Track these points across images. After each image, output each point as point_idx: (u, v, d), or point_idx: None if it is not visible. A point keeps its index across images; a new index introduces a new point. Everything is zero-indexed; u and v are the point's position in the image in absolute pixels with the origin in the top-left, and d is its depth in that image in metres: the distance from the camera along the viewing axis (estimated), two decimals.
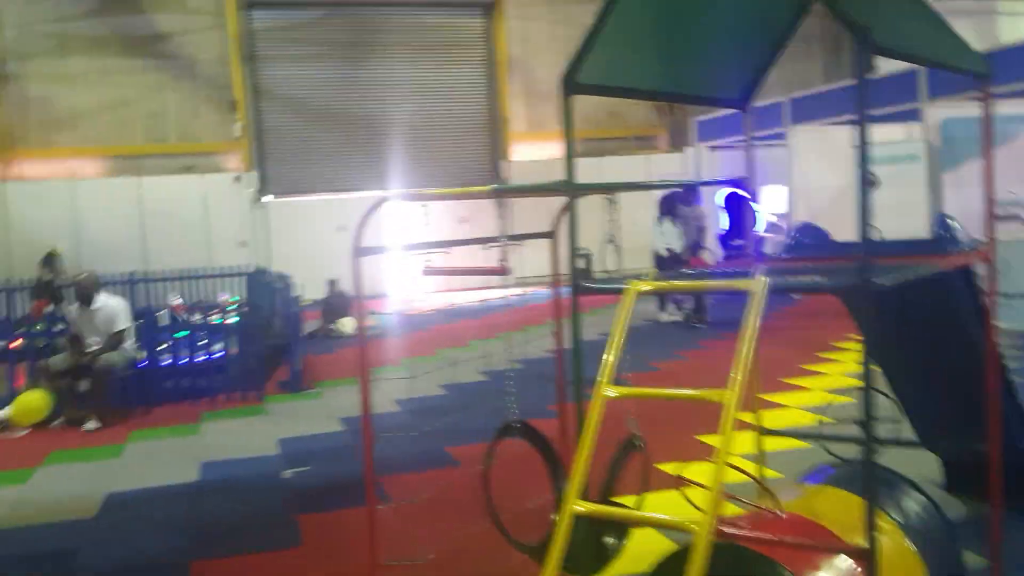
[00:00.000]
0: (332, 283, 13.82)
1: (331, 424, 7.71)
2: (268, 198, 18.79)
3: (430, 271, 3.55)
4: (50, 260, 14.97)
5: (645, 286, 2.73)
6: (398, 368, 10.48)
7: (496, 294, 17.64)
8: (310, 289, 13.55)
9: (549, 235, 4.02)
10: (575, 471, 2.49)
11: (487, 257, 3.77)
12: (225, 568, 4.70)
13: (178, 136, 18.62)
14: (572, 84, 2.89)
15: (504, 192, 3.19)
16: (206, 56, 18.51)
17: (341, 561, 4.69)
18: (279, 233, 18.62)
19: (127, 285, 16.04)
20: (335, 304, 13.40)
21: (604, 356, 2.60)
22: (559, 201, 3.36)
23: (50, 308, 13.00)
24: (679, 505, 2.98)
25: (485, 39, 20.49)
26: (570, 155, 3.03)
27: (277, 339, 10.27)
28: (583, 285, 2.94)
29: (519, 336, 11.96)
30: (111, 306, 8.29)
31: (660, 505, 3.33)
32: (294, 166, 19.28)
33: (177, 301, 14.53)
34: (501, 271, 3.33)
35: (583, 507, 2.47)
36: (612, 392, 2.55)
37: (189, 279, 17.32)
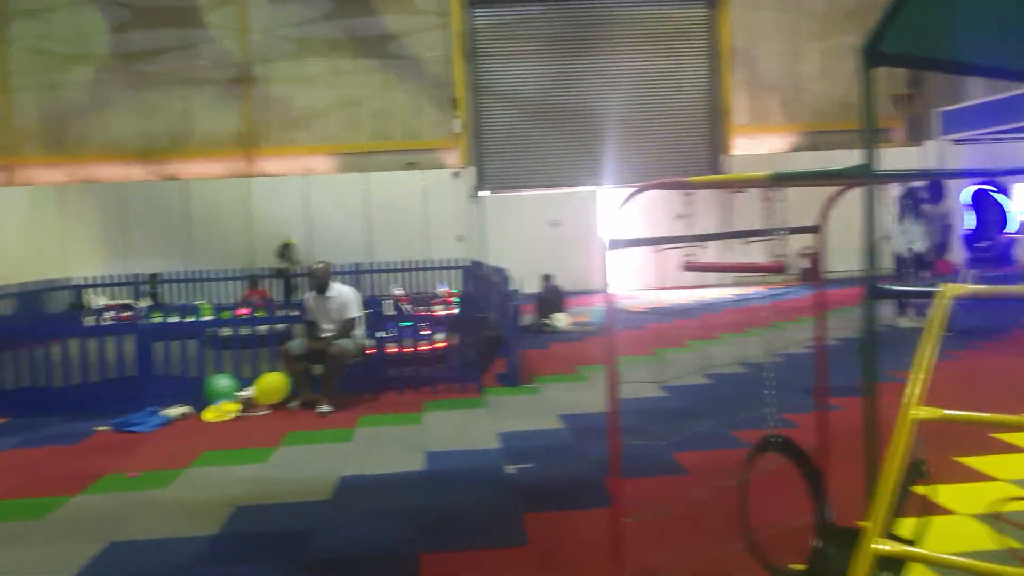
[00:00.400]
0: (546, 277, 13.79)
1: (550, 421, 7.59)
2: (484, 193, 19.13)
3: (692, 267, 3.25)
4: (286, 250, 15.94)
5: (959, 290, 2.32)
6: (616, 366, 10.26)
7: (711, 294, 17.04)
8: (522, 283, 13.60)
9: (814, 229, 3.63)
10: (878, 505, 2.13)
11: (744, 252, 3.44)
12: (454, 562, 4.63)
13: (402, 133, 19.32)
14: (874, 54, 2.51)
15: (785, 180, 2.83)
16: (430, 55, 19.09)
17: (571, 566, 4.51)
18: (493, 227, 18.91)
19: (353, 275, 16.85)
20: (549, 298, 13.36)
21: (912, 372, 2.22)
22: (799, 195, 2.98)
23: (264, 297, 13.80)
24: (959, 536, 2.53)
25: (708, 29, 19.85)
26: (870, 136, 2.64)
27: (493, 332, 10.32)
28: (882, 288, 2.55)
29: (739, 339, 11.42)
30: (344, 294, 8.58)
31: (943, 536, 2.88)
32: (510, 161, 19.52)
33: (399, 292, 15.06)
34: (780, 268, 2.98)
35: (887, 546, 2.11)
36: (924, 413, 2.16)
37: (409, 271, 17.97)
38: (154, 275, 16.47)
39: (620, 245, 3.37)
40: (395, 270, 17.96)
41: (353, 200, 18.61)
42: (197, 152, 19.13)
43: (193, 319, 8.93)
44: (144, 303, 14.20)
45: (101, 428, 7.93)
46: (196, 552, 4.87)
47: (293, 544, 4.97)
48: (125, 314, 9.50)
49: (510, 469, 6.20)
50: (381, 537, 5.05)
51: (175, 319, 9.38)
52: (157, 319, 9.06)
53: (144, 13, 18.79)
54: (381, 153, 19.20)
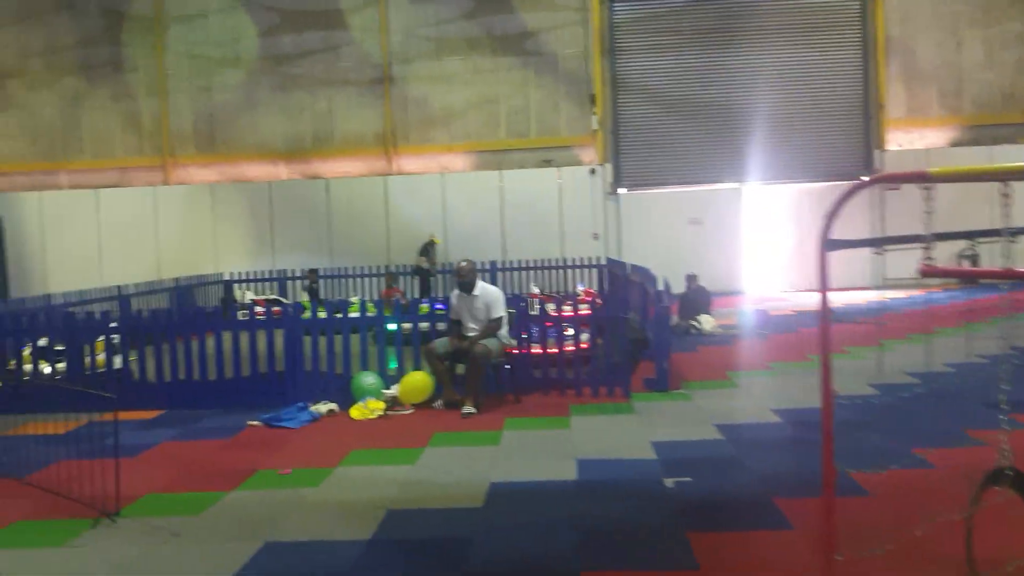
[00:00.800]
0: (691, 278, 13.30)
1: (706, 430, 7.19)
2: (621, 190, 18.74)
3: (929, 271, 2.84)
4: (428, 249, 15.96)
5: None
6: (768, 372, 9.74)
7: (863, 297, 16.13)
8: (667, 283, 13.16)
9: None
10: None
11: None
12: None
13: (538, 131, 19.16)
14: None
15: None
16: (568, 51, 18.85)
17: None
18: (630, 225, 18.51)
19: (488, 274, 16.79)
20: (694, 299, 12.87)
21: None
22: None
23: (401, 296, 13.81)
24: None
25: (860, 19, 18.81)
26: None
27: (637, 334, 9.96)
28: None
29: (903, 345, 10.66)
30: (490, 293, 8.42)
31: None
32: (648, 158, 19.06)
33: (536, 290, 14.88)
34: None
35: None
36: None
37: (544, 269, 17.79)
38: (313, 270, 16.78)
39: (838, 245, 2.97)
40: (530, 268, 17.81)
41: (489, 198, 18.58)
42: (338, 151, 19.53)
43: (356, 314, 8.96)
44: (302, 298, 14.48)
45: (253, 423, 8.03)
46: (351, 557, 4.76)
47: (449, 553, 4.80)
48: (276, 309, 9.63)
49: (668, 482, 5.85)
50: (539, 550, 4.81)
51: (325, 315, 9.41)
52: (321, 314, 9.13)
53: (291, 17, 19.31)
54: (517, 151, 19.10)
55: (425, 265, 15.32)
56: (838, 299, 16.39)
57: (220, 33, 19.51)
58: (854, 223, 17.48)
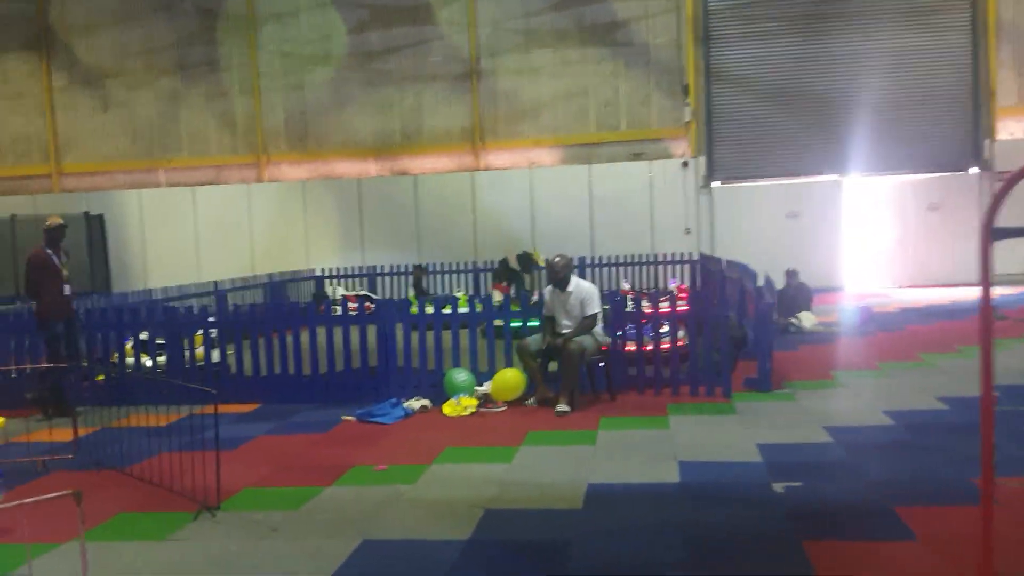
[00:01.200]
0: (791, 273, 12.84)
1: (814, 432, 6.84)
2: (715, 184, 18.27)
3: None
4: (526, 260, 15.71)
5: None
6: (876, 372, 9.29)
7: (968, 293, 15.35)
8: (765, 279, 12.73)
9: None
10: None
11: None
12: None
13: (628, 123, 18.83)
14: None
15: None
16: (659, 41, 18.47)
17: None
18: (723, 219, 18.05)
19: (577, 269, 16.54)
20: (794, 296, 12.41)
21: None
22: None
23: (506, 293, 13.68)
24: None
25: (970, 2, 17.88)
26: None
27: (735, 331, 9.62)
28: None
29: (1020, 345, 10.06)
30: (584, 289, 8.22)
31: None
32: (743, 150, 18.53)
33: (626, 286, 14.61)
34: None
35: None
36: None
37: (634, 265, 17.48)
38: (418, 265, 16.79)
39: (1007, 234, 2.69)
40: (620, 264, 17.53)
41: (577, 192, 18.35)
42: (426, 147, 19.58)
43: (462, 310, 8.90)
44: (408, 293, 14.49)
45: (347, 418, 8.02)
46: (450, 558, 4.63)
47: (549, 557, 4.63)
48: (368, 304, 9.64)
49: (778, 487, 5.56)
50: (642, 556, 4.60)
51: (431, 310, 9.35)
52: (429, 309, 9.09)
53: (380, 12, 19.43)
54: (607, 144, 18.82)
55: (514, 265, 15.11)
56: (951, 295, 15.66)
57: (311, 31, 19.77)
58: (962, 215, 16.70)
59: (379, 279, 18.43)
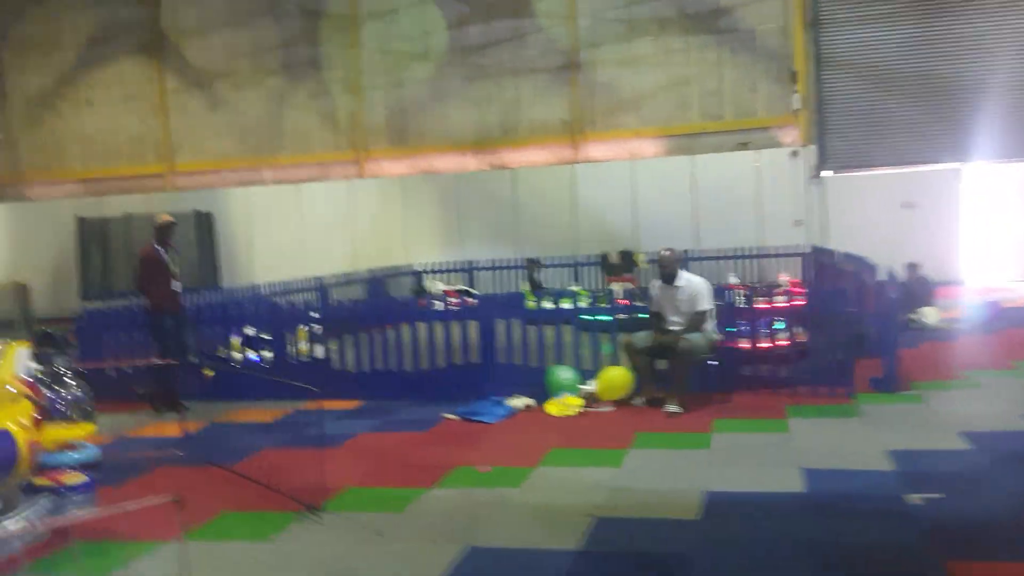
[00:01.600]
0: (912, 267, 12.12)
1: (949, 439, 6.32)
2: (826, 173, 17.47)
3: None
4: (628, 258, 15.28)
5: None
6: (1013, 372, 8.61)
7: None
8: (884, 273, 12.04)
9: None
10: None
11: None
12: None
13: (734, 112, 18.17)
14: None
15: None
16: (766, 26, 17.74)
17: None
18: (835, 210, 17.22)
19: (682, 263, 16.05)
20: (915, 290, 11.68)
21: None
22: None
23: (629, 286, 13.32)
24: None
25: None
26: None
27: (854, 328, 9.05)
28: None
29: None
30: (695, 284, 7.85)
31: None
32: (856, 138, 17.64)
33: (734, 280, 14.08)
34: None
35: None
36: None
37: (741, 258, 16.87)
38: (532, 260, 16.59)
39: None
40: (726, 258, 16.92)
41: (680, 184, 17.79)
42: (525, 140, 19.34)
43: (569, 305, 8.67)
44: (523, 288, 14.27)
45: (448, 416, 7.86)
46: (559, 568, 4.40)
47: (667, 572, 4.34)
48: (470, 300, 9.47)
49: (914, 499, 5.11)
50: (768, 573, 4.26)
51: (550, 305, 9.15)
52: (546, 304, 8.89)
53: (480, 7, 19.28)
54: (711, 134, 18.20)
55: (614, 260, 14.69)
56: None
57: (411, 28, 19.77)
58: None
59: (477, 274, 18.30)
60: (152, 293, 8.90)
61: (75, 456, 5.22)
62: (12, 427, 4.28)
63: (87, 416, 5.51)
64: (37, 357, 5.72)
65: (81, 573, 4.44)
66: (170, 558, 4.64)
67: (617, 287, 13.23)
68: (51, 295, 19.66)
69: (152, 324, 9.03)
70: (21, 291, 17.06)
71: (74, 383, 5.48)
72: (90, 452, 5.33)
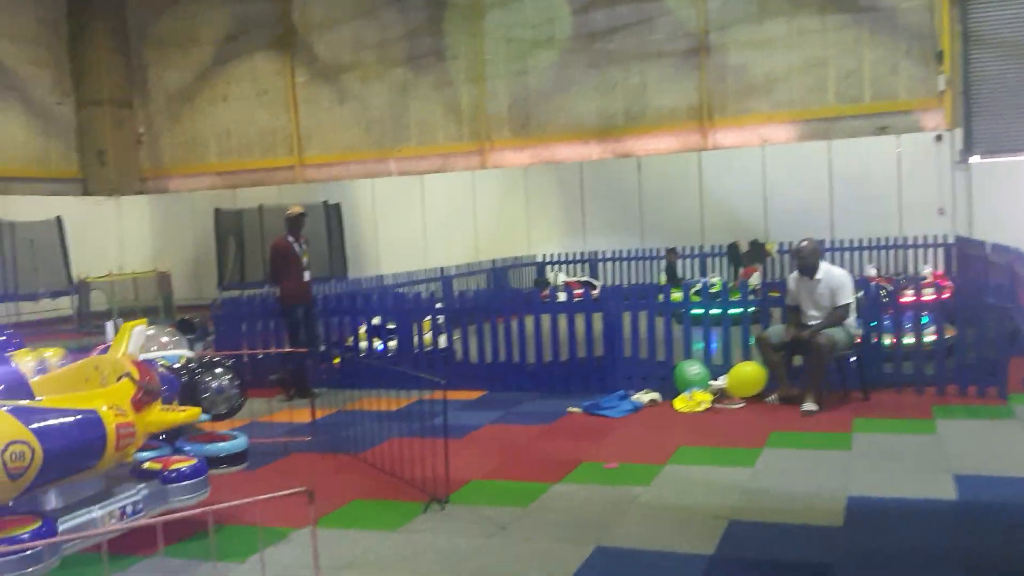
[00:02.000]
0: None
1: None
2: (973, 159, 16.40)
3: None
4: (757, 247, 14.77)
5: None
6: None
7: None
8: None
9: None
10: None
11: None
12: None
13: (872, 95, 17.28)
14: None
15: None
16: (908, 3, 16.76)
17: None
18: (983, 198, 16.15)
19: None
20: None
21: None
22: None
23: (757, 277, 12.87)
24: None
25: None
26: None
27: (1007, 324, 8.40)
28: None
29: None
30: (835, 277, 7.44)
31: None
32: (1007, 121, 16.46)
33: (872, 272, 13.39)
34: None
35: None
36: None
37: (880, 249, 16.08)
38: (671, 249, 16.29)
39: None
40: (863, 248, 16.17)
41: (815, 171, 17.05)
42: (650, 127, 18.96)
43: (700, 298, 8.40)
44: (660, 279, 14.02)
45: (572, 409, 7.74)
46: (694, 573, 4.20)
47: None
48: (595, 292, 9.30)
49: None
50: None
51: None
52: (684, 297, 8.66)
53: None
54: (848, 118, 17.36)
55: (744, 248, 14.18)
56: None
57: (535, 15, 19.66)
58: None
59: (600, 265, 18.10)
60: (285, 283, 9.12)
61: (223, 446, 5.28)
62: (103, 410, 4.16)
63: (232, 403, 5.52)
64: (188, 343, 5.90)
65: (216, 557, 4.52)
66: (302, 544, 4.71)
67: (755, 278, 12.83)
68: (191, 283, 20.62)
69: (284, 313, 9.25)
70: (164, 279, 17.91)
71: (222, 370, 5.50)
72: (239, 442, 5.37)
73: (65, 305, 17.72)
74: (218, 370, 5.42)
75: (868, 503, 5.01)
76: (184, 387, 5.34)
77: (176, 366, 5.49)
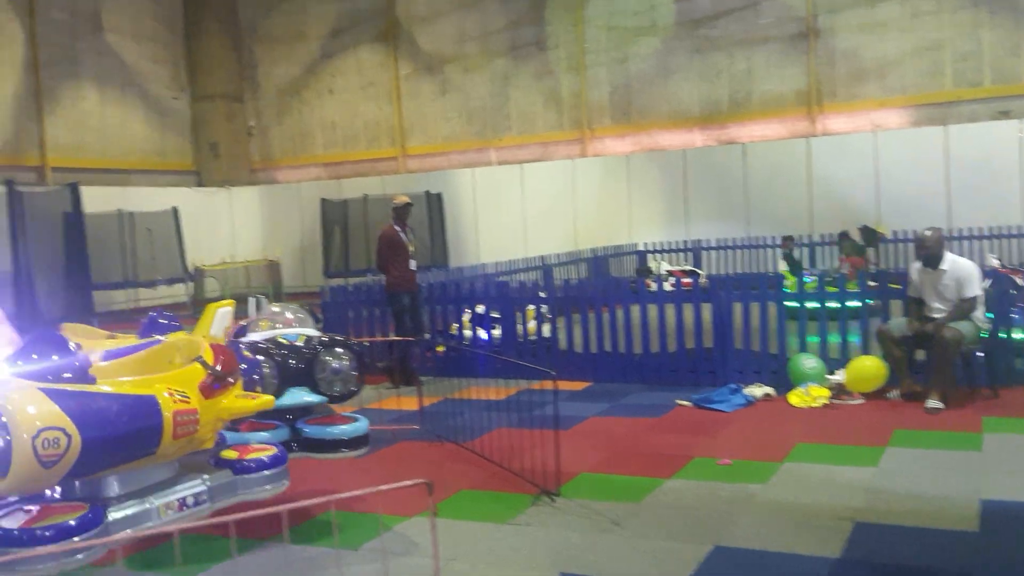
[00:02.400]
0: None
1: None
2: None
3: None
4: (871, 234, 14.24)
5: None
6: None
7: None
8: None
9: None
10: None
11: None
12: None
13: (993, 78, 16.44)
14: None
15: None
16: None
17: None
18: None
19: None
20: None
21: None
22: None
23: (858, 267, 12.37)
24: None
25: None
26: None
27: None
28: None
29: None
30: (962, 268, 7.07)
31: None
32: None
33: (995, 262, 12.71)
34: None
35: None
36: None
37: (1003, 238, 15.29)
38: (788, 237, 15.90)
39: None
40: (983, 237, 15.40)
41: (930, 157, 16.32)
42: (756, 114, 18.50)
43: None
44: (780, 267, 13.69)
45: (682, 402, 7.58)
46: None
47: None
48: (703, 281, 9.09)
49: None
50: None
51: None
52: (809, 285, 8.42)
53: None
54: (966, 102, 16.57)
55: (860, 241, 13.64)
56: None
57: (637, 2, 19.39)
58: None
59: (704, 253, 17.75)
60: (391, 272, 9.22)
61: (344, 428, 5.09)
62: (162, 395, 3.86)
63: (347, 385, 5.27)
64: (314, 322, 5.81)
65: (333, 543, 4.57)
66: (414, 534, 4.73)
67: (847, 269, 12.34)
68: (298, 271, 21.16)
69: (391, 301, 9.36)
70: (273, 267, 18.42)
71: (343, 350, 5.30)
72: (360, 425, 5.16)
73: (180, 292, 18.42)
74: (339, 349, 5.28)
75: (1005, 508, 4.73)
76: (305, 365, 5.13)
77: (297, 343, 5.28)
